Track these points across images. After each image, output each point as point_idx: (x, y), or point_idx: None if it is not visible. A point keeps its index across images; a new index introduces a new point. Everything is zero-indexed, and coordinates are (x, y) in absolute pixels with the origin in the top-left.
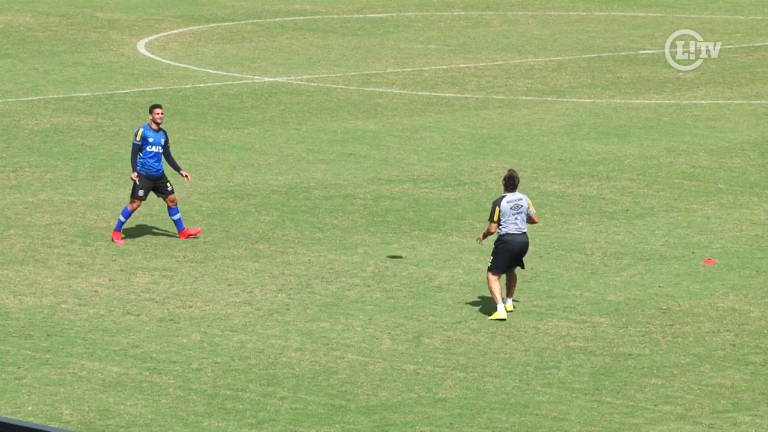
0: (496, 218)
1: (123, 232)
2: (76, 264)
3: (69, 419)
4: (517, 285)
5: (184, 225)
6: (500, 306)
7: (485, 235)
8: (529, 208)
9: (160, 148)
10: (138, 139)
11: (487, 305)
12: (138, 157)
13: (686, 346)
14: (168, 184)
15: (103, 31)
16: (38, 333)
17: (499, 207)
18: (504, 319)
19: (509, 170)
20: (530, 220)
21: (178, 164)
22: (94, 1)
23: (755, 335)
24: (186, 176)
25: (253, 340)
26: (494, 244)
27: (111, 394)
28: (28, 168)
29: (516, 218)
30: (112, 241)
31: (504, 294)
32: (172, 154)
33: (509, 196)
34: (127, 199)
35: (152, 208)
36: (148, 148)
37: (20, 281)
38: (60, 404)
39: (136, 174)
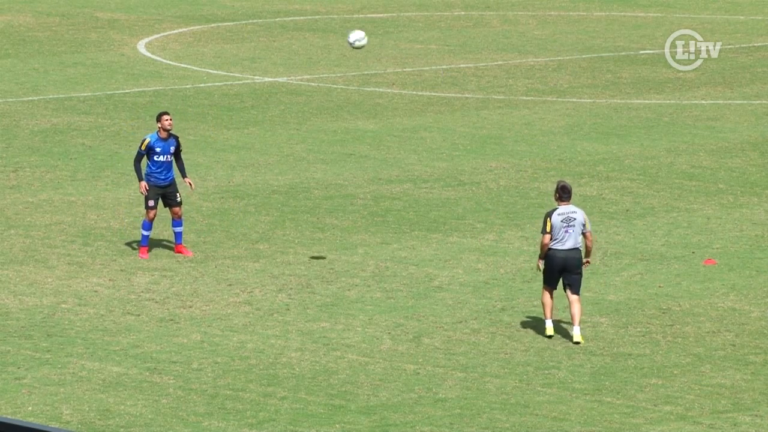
0: (548, 229)
1: (122, 235)
2: (76, 264)
3: (69, 419)
4: (579, 314)
5: (183, 241)
6: (547, 322)
7: (542, 251)
8: (584, 224)
9: (169, 156)
10: (143, 148)
11: (487, 305)
12: (142, 165)
13: (686, 346)
14: (177, 194)
15: (103, 31)
16: (38, 333)
17: (551, 219)
18: (550, 336)
19: (559, 181)
20: (585, 239)
21: (186, 171)
22: (94, 1)
23: (755, 335)
24: (190, 184)
25: (253, 340)
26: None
27: (111, 394)
28: (28, 168)
29: (567, 232)
30: (140, 257)
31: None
32: (183, 160)
33: (561, 208)
34: (127, 199)
35: None
36: (155, 158)
37: (20, 281)
38: (60, 404)
39: (144, 185)
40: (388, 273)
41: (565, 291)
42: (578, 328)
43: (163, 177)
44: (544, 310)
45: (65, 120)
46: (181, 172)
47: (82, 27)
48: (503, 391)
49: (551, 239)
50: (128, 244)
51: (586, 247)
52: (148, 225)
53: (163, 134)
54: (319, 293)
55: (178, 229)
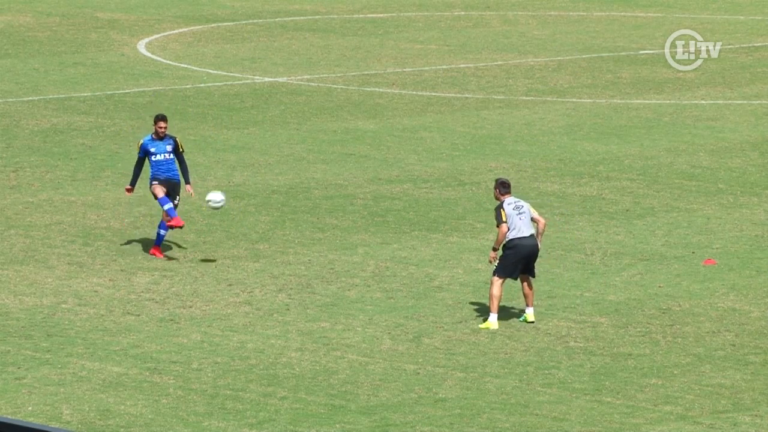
0: (504, 219)
1: (122, 235)
2: (76, 264)
3: (69, 419)
4: (534, 293)
5: (160, 244)
6: (493, 316)
7: (498, 244)
8: (530, 210)
9: (167, 155)
10: (139, 151)
11: (487, 305)
12: (140, 169)
13: (686, 346)
14: (177, 197)
15: (103, 31)
16: (38, 333)
17: (504, 210)
18: (495, 329)
19: (497, 178)
20: (537, 224)
21: (189, 177)
22: (94, 1)
23: (755, 335)
24: (190, 192)
25: (253, 340)
26: (502, 249)
27: (111, 394)
28: (28, 168)
29: (520, 219)
30: (152, 255)
31: (524, 304)
32: (186, 163)
33: (508, 199)
34: (127, 199)
35: (152, 209)
36: (153, 158)
37: (20, 281)
38: (60, 404)
39: (130, 188)
40: (388, 273)
41: (518, 278)
42: (532, 308)
43: (167, 174)
44: (493, 303)
45: (65, 120)
46: (184, 177)
47: (82, 27)
48: (503, 391)
49: (509, 230)
50: (128, 244)
51: (540, 230)
52: (165, 225)
53: (156, 136)
54: (319, 293)
55: (162, 232)
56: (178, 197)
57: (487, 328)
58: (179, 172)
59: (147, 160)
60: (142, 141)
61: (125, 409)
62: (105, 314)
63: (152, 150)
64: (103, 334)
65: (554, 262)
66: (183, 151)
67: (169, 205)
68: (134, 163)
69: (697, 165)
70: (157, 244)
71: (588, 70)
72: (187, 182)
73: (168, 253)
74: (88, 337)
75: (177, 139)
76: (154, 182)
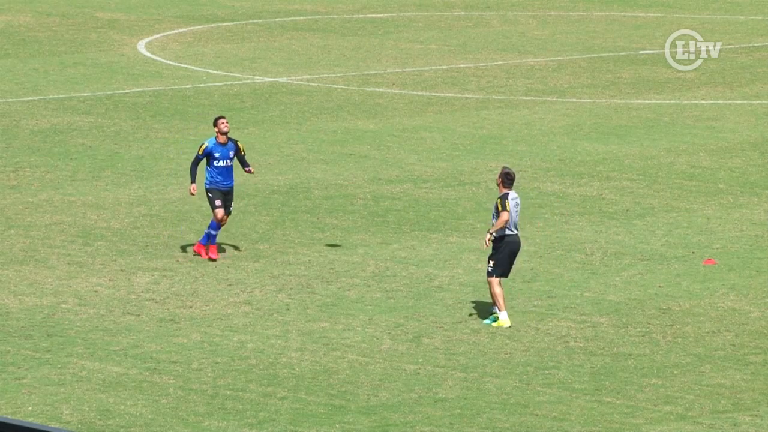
0: (508, 207)
1: (122, 235)
2: (76, 264)
3: (69, 419)
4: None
5: (215, 243)
6: (504, 314)
7: (496, 230)
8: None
9: (228, 161)
10: (201, 153)
11: (487, 305)
12: (197, 168)
13: (686, 346)
14: (231, 204)
15: (103, 31)
16: (38, 333)
17: (509, 201)
18: (509, 326)
19: (504, 167)
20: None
21: (249, 164)
22: (94, 1)
23: (755, 335)
24: (251, 171)
25: (253, 340)
26: (494, 246)
27: (111, 394)
28: (28, 168)
29: (516, 215)
30: (210, 258)
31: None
32: (248, 161)
33: (512, 194)
34: (127, 199)
35: (152, 208)
36: (215, 163)
37: (20, 281)
38: (60, 404)
39: (194, 186)
40: (388, 273)
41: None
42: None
43: (224, 182)
44: (499, 301)
45: (65, 120)
46: (243, 165)
47: (82, 27)
48: (503, 391)
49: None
50: (128, 244)
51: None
52: (216, 225)
53: (222, 138)
54: (319, 293)
55: (213, 232)
56: (232, 205)
57: (501, 326)
58: (234, 181)
59: (206, 162)
60: (206, 144)
61: (125, 409)
62: (105, 314)
63: (216, 155)
64: (103, 334)
65: (554, 262)
66: (244, 153)
67: (215, 233)
68: (191, 162)
69: (697, 165)
70: (202, 243)
71: (588, 70)
72: (248, 165)
73: (168, 253)
74: (88, 337)
75: (238, 144)
76: (211, 194)
